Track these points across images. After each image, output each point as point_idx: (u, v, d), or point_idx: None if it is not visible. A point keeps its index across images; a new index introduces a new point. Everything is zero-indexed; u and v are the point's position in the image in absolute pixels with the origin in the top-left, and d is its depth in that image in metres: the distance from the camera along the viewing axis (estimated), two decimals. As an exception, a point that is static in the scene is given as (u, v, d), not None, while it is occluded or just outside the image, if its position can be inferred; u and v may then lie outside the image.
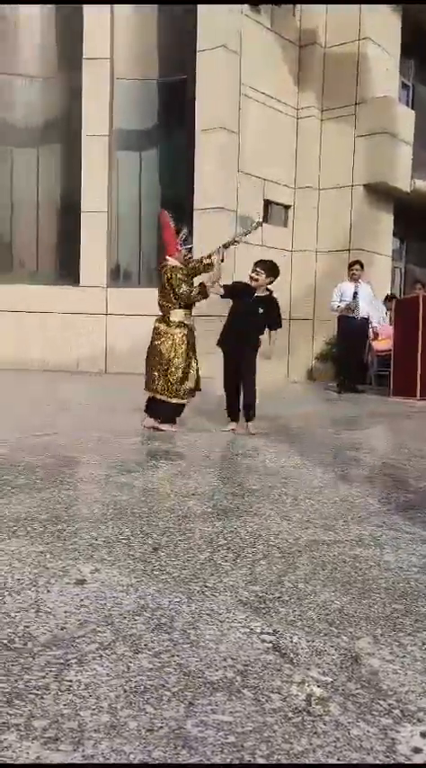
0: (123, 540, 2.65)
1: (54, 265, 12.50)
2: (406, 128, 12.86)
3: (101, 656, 1.71)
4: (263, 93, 11.79)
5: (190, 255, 5.95)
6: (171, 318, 5.70)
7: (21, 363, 11.22)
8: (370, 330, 9.94)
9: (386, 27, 12.72)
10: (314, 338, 12.26)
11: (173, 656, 1.73)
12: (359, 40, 12.31)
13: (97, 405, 7.54)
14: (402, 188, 12.71)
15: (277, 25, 12.03)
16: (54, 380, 10.07)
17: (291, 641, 1.84)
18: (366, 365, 10.47)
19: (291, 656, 1.76)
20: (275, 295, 5.85)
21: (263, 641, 1.84)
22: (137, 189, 11.98)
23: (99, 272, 11.73)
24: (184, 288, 5.62)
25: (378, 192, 12.64)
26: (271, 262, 5.86)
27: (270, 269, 5.69)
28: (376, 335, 10.20)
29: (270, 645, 1.82)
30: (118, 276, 12.09)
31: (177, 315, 5.69)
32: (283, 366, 12.18)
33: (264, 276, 5.64)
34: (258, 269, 5.68)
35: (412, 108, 13.75)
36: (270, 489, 3.63)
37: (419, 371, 8.76)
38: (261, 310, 5.64)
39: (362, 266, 9.81)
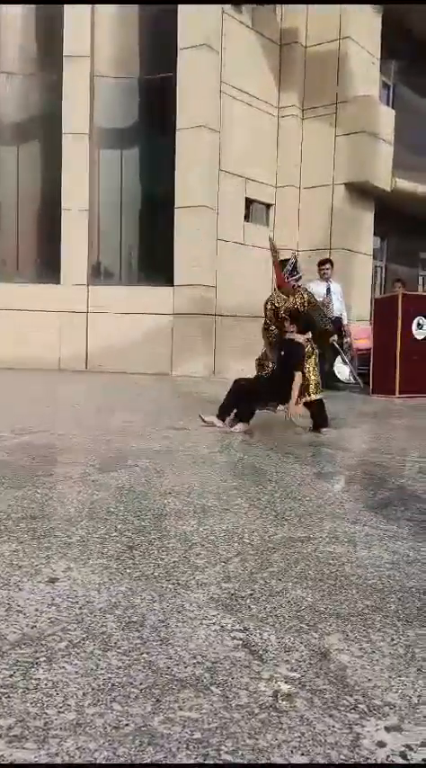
0: (97, 539, 2.65)
1: (35, 263, 12.44)
2: (387, 127, 12.95)
3: (70, 654, 1.71)
4: (245, 92, 11.82)
5: (297, 285, 5.89)
6: None
7: (1, 362, 11.15)
8: (344, 328, 9.97)
9: (366, 27, 12.80)
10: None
11: (142, 653, 1.73)
12: (339, 39, 12.38)
13: (78, 403, 7.51)
14: (383, 187, 12.80)
15: (258, 24, 12.06)
16: (35, 379, 10.03)
17: (261, 638, 1.85)
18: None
19: (260, 652, 1.77)
20: (301, 339, 5.73)
21: (234, 638, 1.84)
22: (119, 187, 11.95)
23: (80, 270, 11.70)
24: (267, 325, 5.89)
25: (359, 191, 12.72)
26: (305, 315, 5.76)
27: (300, 321, 5.67)
28: (350, 334, 10.25)
29: (240, 642, 1.82)
30: (99, 274, 12.06)
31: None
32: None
33: (295, 329, 5.66)
34: (289, 324, 5.67)
35: (393, 108, 13.83)
36: (247, 487, 3.65)
37: (397, 370, 8.82)
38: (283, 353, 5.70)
39: (332, 265, 9.87)
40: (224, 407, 5.64)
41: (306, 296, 5.88)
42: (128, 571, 2.31)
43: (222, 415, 5.63)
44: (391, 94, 14.80)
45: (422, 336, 9.19)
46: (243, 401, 5.59)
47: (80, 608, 1.99)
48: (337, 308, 9.66)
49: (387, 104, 14.02)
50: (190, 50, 11.00)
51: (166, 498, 3.33)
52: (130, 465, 4.11)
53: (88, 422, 5.99)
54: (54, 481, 3.67)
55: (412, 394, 8.87)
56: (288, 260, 5.89)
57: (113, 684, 1.57)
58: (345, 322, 10.01)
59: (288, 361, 5.64)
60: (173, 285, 11.30)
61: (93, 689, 1.55)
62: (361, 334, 10.49)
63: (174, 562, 2.42)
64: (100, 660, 1.68)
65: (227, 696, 1.55)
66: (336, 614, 2.03)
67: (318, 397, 5.79)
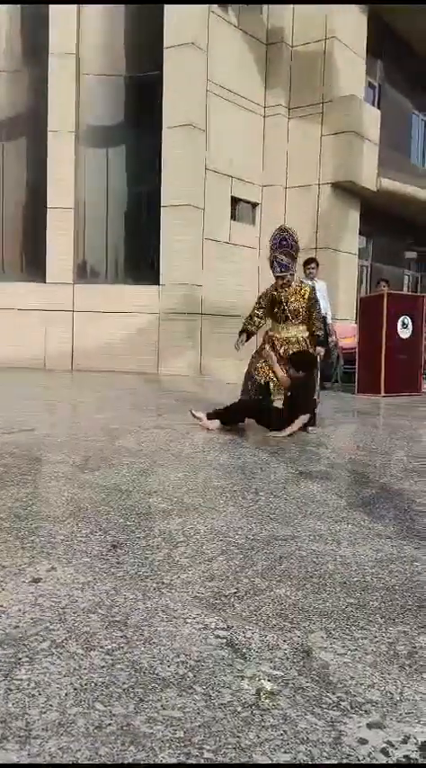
0: (81, 538, 2.64)
1: (20, 262, 12.38)
2: (373, 127, 13.01)
3: (52, 654, 1.71)
4: (231, 92, 11.83)
5: (281, 282, 6.11)
6: None
7: (-14, 361, 11.09)
8: (328, 327, 9.98)
9: (352, 27, 12.84)
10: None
11: (125, 653, 1.73)
12: (325, 39, 12.40)
13: (65, 402, 7.48)
14: (368, 187, 12.84)
15: (244, 23, 12.06)
16: (19, 378, 9.98)
17: (244, 636, 1.85)
18: (330, 363, 10.53)
19: (244, 650, 1.77)
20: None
21: (217, 637, 1.84)
22: (105, 185, 11.92)
23: (65, 268, 11.66)
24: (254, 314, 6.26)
25: (345, 191, 12.76)
26: (304, 354, 5.88)
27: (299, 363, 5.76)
28: (335, 333, 10.29)
29: (224, 640, 1.83)
30: (85, 273, 12.02)
31: None
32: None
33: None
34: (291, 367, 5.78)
35: (379, 108, 13.89)
36: (232, 486, 3.65)
37: (383, 369, 8.87)
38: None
39: (317, 264, 9.90)
40: (220, 415, 5.62)
41: (307, 291, 6.13)
42: (112, 570, 2.31)
43: (213, 416, 5.62)
44: (377, 95, 14.87)
45: (407, 335, 9.24)
46: (240, 418, 5.63)
47: (63, 608, 1.99)
48: (322, 306, 9.67)
49: (373, 105, 14.08)
50: (176, 49, 10.99)
51: (151, 497, 3.33)
52: (115, 464, 4.10)
53: (73, 421, 5.97)
54: (39, 480, 3.66)
55: (397, 393, 8.92)
56: (275, 257, 6.06)
57: (96, 684, 1.57)
58: (330, 321, 10.02)
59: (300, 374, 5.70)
60: (159, 284, 11.29)
61: (75, 689, 1.55)
62: (347, 333, 10.53)
63: (159, 561, 2.42)
64: (82, 660, 1.68)
65: (210, 695, 1.55)
66: (319, 612, 2.03)
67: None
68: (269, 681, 1.62)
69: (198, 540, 2.68)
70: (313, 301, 6.12)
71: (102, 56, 11.79)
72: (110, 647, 1.76)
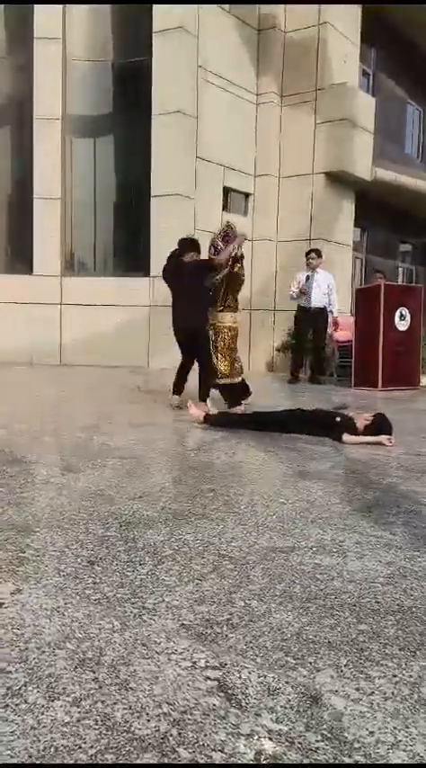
0: (55, 553, 2.34)
1: (6, 253, 12.02)
2: (367, 116, 12.67)
3: (7, 705, 1.41)
4: (222, 78, 11.47)
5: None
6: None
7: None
8: (330, 319, 9.72)
9: (346, 13, 12.50)
10: (274, 329, 12.04)
11: (95, 702, 1.43)
12: (319, 24, 12.06)
13: (48, 398, 7.16)
14: (363, 177, 12.52)
15: (235, 8, 11.70)
16: (3, 374, 9.64)
17: (240, 677, 1.56)
18: (324, 357, 10.26)
19: (239, 697, 1.48)
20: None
21: (207, 678, 1.55)
22: (93, 174, 11.55)
23: (53, 260, 11.30)
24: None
25: (339, 181, 12.44)
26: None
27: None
28: (336, 326, 10.00)
29: (215, 683, 1.53)
30: (73, 265, 11.67)
31: None
32: (244, 357, 11.92)
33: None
34: None
35: (373, 96, 13.57)
36: (225, 489, 3.35)
37: (380, 362, 8.58)
38: None
39: (318, 254, 9.62)
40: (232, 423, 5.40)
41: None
42: (86, 592, 2.01)
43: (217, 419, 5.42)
44: (371, 83, 14.55)
45: (405, 328, 8.96)
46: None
47: (26, 642, 1.69)
48: (316, 298, 9.40)
49: (367, 93, 13.75)
50: (165, 33, 10.63)
51: (135, 503, 3.02)
52: (98, 465, 3.79)
53: (55, 418, 5.66)
54: (11, 483, 3.34)
55: (394, 386, 8.64)
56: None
57: (56, 748, 1.27)
58: (335, 314, 9.74)
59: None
60: (149, 276, 10.95)
61: (30, 756, 1.25)
62: (341, 326, 10.24)
63: (141, 580, 2.12)
64: (43, 714, 1.38)
65: (198, 760, 1.25)
66: (327, 644, 1.74)
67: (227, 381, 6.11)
68: (270, 739, 1.33)
69: (186, 553, 2.38)
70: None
71: (90, 41, 11.40)
72: (77, 694, 1.46)
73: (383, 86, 14.86)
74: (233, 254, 6.15)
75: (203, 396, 6.05)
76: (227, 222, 6.62)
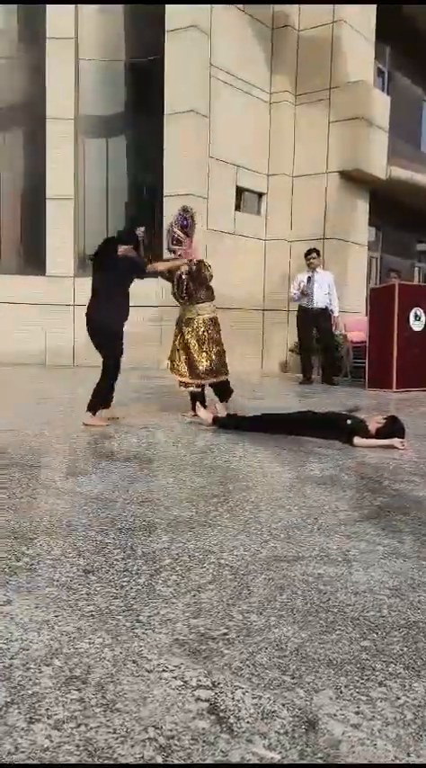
0: (50, 561, 2.27)
1: (19, 254, 12.01)
2: (382, 114, 12.53)
3: (-16, 728, 1.33)
4: (235, 77, 11.38)
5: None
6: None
7: (-17, 356, 10.74)
8: (333, 320, 9.57)
9: (360, 11, 12.36)
10: (288, 329, 11.92)
11: (79, 725, 1.35)
12: (333, 23, 11.94)
13: (56, 400, 7.11)
14: (378, 176, 12.38)
15: (249, 6, 11.61)
16: (16, 375, 9.62)
17: (233, 698, 1.47)
18: (337, 357, 10.14)
19: (231, 720, 1.39)
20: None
21: (198, 699, 1.47)
22: (105, 174, 11.52)
23: (66, 260, 11.28)
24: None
25: (354, 180, 12.31)
26: None
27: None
28: (337, 326, 9.89)
29: (207, 704, 1.45)
30: (86, 265, 11.63)
31: None
32: (257, 358, 11.84)
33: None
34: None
35: (388, 94, 13.41)
36: (229, 494, 3.27)
37: (395, 362, 8.45)
38: None
39: (319, 254, 9.52)
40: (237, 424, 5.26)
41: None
42: (79, 604, 1.93)
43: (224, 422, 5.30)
44: (386, 81, 14.39)
45: (420, 328, 8.82)
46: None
47: (11, 658, 1.61)
48: (318, 298, 9.29)
49: (382, 91, 13.60)
50: (178, 32, 10.56)
51: (137, 508, 2.95)
52: (101, 468, 3.73)
53: (62, 420, 5.60)
54: (13, 488, 3.28)
55: (409, 387, 8.51)
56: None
57: (32, 777, 1.20)
58: (336, 314, 9.60)
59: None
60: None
61: (4, 785, 1.18)
62: (356, 327, 10.11)
63: (136, 591, 2.04)
64: (21, 738, 1.31)
65: (183, 791, 1.17)
66: (327, 662, 1.65)
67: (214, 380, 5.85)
68: (261, 768, 1.24)
69: (185, 562, 2.30)
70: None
71: (102, 40, 11.37)
72: (60, 716, 1.38)
73: (398, 84, 14.70)
74: (176, 272, 5.86)
75: (90, 407, 5.32)
76: (184, 207, 6.03)
